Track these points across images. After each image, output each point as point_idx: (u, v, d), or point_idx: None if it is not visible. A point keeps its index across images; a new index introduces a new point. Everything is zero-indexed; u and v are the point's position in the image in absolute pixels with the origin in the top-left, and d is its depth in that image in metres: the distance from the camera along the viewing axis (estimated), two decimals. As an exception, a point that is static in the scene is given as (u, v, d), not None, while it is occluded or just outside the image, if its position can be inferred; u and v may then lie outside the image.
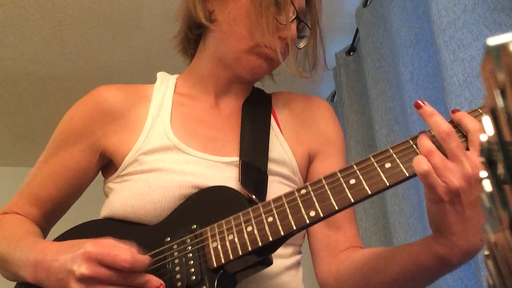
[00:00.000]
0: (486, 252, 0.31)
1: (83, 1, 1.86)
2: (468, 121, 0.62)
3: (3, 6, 1.83)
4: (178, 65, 1.01)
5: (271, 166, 0.86)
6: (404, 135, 1.46)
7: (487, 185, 0.27)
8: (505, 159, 0.24)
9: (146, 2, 1.87)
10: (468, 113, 0.65)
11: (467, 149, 0.61)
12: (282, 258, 0.81)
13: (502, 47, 0.23)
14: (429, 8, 1.19)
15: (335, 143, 0.95)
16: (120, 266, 0.66)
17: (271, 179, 0.84)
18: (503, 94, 0.23)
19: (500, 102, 0.24)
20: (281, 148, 0.90)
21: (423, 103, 0.64)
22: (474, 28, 1.06)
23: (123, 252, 0.67)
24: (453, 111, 0.64)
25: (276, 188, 0.84)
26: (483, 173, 0.28)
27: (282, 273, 0.81)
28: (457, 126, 0.64)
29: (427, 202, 0.62)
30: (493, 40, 0.23)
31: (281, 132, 0.93)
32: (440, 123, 0.61)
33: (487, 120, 0.26)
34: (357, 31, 1.93)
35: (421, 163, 0.59)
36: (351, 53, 2.04)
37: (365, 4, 1.79)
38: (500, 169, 0.25)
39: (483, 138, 0.27)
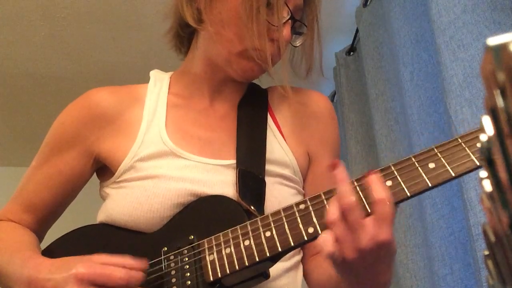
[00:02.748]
0: (486, 252, 0.31)
1: (83, 1, 1.86)
2: (374, 189, 0.62)
3: (3, 6, 1.83)
4: (178, 66, 1.01)
5: (270, 168, 0.84)
6: (404, 135, 1.46)
7: (487, 185, 0.27)
8: (505, 159, 0.24)
9: (146, 2, 1.87)
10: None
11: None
12: (282, 261, 0.80)
13: (502, 47, 0.23)
14: (429, 8, 1.19)
15: (331, 144, 0.94)
16: (115, 284, 0.65)
17: (271, 181, 0.83)
18: (503, 94, 0.23)
19: (500, 102, 0.24)
20: (280, 149, 0.88)
21: (338, 165, 0.64)
22: (474, 28, 1.06)
23: (117, 270, 0.66)
24: (368, 173, 0.64)
25: (276, 190, 0.83)
26: (483, 173, 0.28)
27: (281, 276, 0.81)
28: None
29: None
30: (493, 40, 0.23)
31: (280, 131, 0.91)
32: (345, 194, 0.62)
33: (487, 120, 0.26)
34: (357, 31, 1.92)
35: (326, 243, 0.62)
36: (351, 53, 2.04)
37: (365, 4, 1.79)
38: (500, 169, 0.25)
39: (483, 138, 0.27)
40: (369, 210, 0.62)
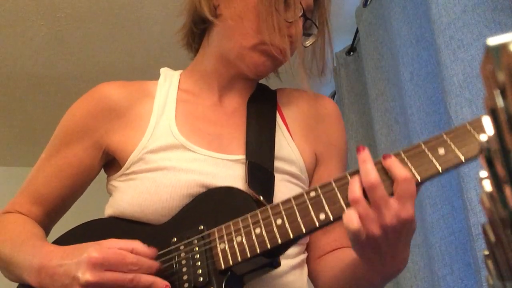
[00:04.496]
0: (486, 252, 0.31)
1: (83, 1, 1.86)
2: (396, 169, 0.63)
3: (3, 6, 1.83)
4: (178, 65, 1.01)
5: (278, 165, 0.85)
6: (404, 135, 1.46)
7: (487, 185, 0.27)
8: (505, 159, 0.24)
9: (146, 2, 1.87)
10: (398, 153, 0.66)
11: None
12: (288, 258, 0.81)
13: (502, 47, 0.23)
14: (429, 8, 1.19)
15: (337, 146, 0.95)
16: (127, 269, 0.66)
17: (278, 178, 0.83)
18: (503, 94, 0.23)
19: (500, 102, 0.24)
20: (288, 147, 0.89)
21: (364, 148, 0.66)
22: (474, 28, 1.06)
23: (129, 255, 0.67)
24: (384, 157, 0.66)
25: (284, 187, 0.83)
26: (483, 173, 0.28)
27: (287, 273, 0.81)
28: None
29: (350, 240, 0.66)
30: (493, 40, 0.23)
31: (288, 130, 0.92)
32: (369, 172, 0.63)
33: (487, 120, 0.26)
34: (357, 31, 1.92)
35: (352, 221, 0.63)
36: (351, 53, 2.04)
37: (365, 4, 1.79)
38: (500, 169, 0.25)
39: (483, 138, 0.27)
40: (391, 190, 0.63)
